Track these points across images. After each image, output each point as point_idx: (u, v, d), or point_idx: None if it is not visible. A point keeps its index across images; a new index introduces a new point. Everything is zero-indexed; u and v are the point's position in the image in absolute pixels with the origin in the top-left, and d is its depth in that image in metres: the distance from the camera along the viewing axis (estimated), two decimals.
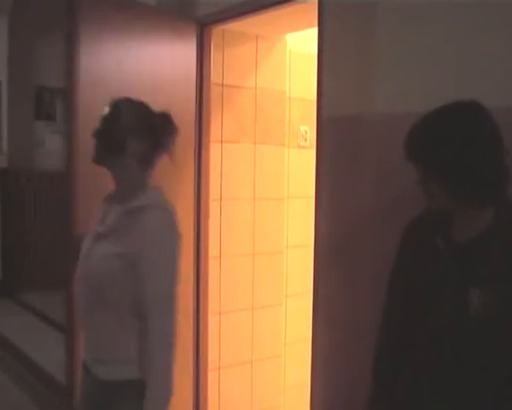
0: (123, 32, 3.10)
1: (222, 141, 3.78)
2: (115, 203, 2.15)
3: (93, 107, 2.43)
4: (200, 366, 3.77)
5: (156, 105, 2.18)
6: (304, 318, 3.78)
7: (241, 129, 3.89)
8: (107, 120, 2.12)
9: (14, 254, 7.62)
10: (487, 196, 1.67)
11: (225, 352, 3.94)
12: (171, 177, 2.59)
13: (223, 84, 3.74)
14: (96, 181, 2.39)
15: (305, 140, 4.27)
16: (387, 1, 2.48)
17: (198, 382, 3.76)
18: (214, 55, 3.62)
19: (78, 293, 2.17)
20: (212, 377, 3.87)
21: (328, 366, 2.72)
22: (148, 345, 2.00)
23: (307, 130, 4.26)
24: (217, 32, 3.62)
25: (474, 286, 1.64)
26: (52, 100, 8.23)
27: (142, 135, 2.11)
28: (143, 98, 2.18)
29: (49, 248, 7.50)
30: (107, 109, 2.13)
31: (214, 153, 3.73)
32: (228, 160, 3.83)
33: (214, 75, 3.66)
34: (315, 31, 2.79)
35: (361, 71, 2.59)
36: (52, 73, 7.94)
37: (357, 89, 2.60)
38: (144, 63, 3.22)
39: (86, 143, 2.17)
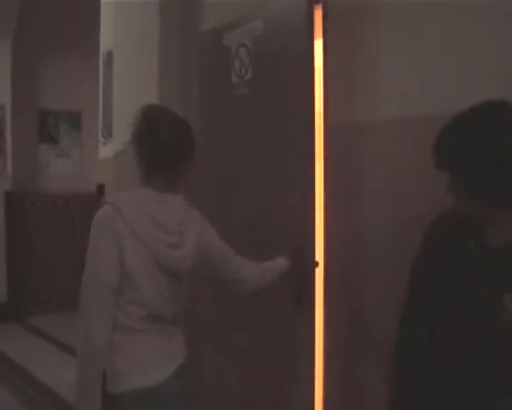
0: None
1: None
2: None
3: None
4: None
5: None
6: None
7: None
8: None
9: (19, 277, 7.61)
10: None
11: None
12: None
13: None
14: None
15: None
16: (390, 11, 2.50)
17: None
18: None
19: None
20: None
21: None
22: None
23: None
24: None
25: (508, 292, 1.61)
26: (56, 123, 8.28)
27: None
28: None
29: (54, 271, 7.50)
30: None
31: None
32: None
33: None
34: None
35: (367, 78, 2.60)
36: (56, 96, 8.00)
37: (364, 96, 2.61)
38: None
39: None
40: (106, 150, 4.20)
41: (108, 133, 4.12)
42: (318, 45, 2.81)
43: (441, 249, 1.81)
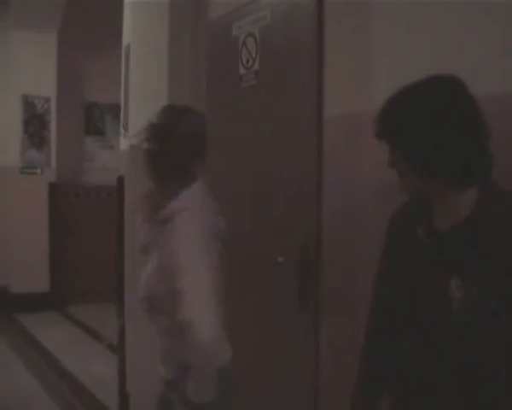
0: None
1: None
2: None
3: None
4: None
5: None
6: None
7: None
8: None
9: (61, 268, 7.73)
10: (464, 176, 1.51)
11: None
12: None
13: None
14: None
15: None
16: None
17: None
18: None
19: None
20: None
21: None
22: None
23: None
24: None
25: (455, 278, 1.51)
26: (101, 115, 8.39)
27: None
28: None
29: (95, 262, 7.59)
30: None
31: None
32: None
33: None
34: None
35: (361, 67, 2.47)
36: (101, 89, 8.09)
37: (357, 86, 2.48)
38: None
39: None
40: (126, 143, 4.18)
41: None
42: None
43: (397, 241, 1.74)
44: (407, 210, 1.73)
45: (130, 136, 3.97)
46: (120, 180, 4.28)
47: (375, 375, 1.84)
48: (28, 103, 7.50)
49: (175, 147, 2.04)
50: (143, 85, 3.85)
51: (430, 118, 1.48)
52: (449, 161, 1.49)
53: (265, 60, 3.00)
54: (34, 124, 7.55)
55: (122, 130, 4.32)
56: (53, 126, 7.68)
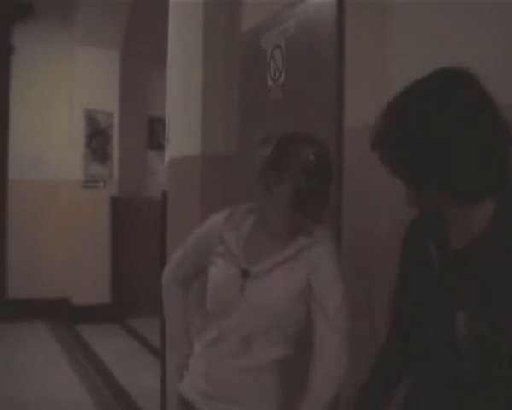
0: None
1: None
2: (263, 235, 2.03)
3: None
4: None
5: None
6: None
7: None
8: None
9: (123, 280, 7.84)
10: (476, 189, 1.32)
11: None
12: None
13: None
14: None
15: None
16: (404, 8, 2.24)
17: None
18: None
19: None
20: None
21: None
22: None
23: None
24: None
25: (461, 308, 1.31)
26: (164, 130, 8.48)
27: None
28: None
29: (158, 275, 7.64)
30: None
31: None
32: None
33: None
34: None
35: (382, 77, 2.34)
36: (165, 104, 8.17)
37: (378, 96, 2.35)
38: None
39: None
40: (168, 156, 4.17)
41: None
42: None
43: (410, 257, 1.56)
44: (421, 223, 1.54)
45: (170, 149, 3.97)
46: (164, 194, 4.26)
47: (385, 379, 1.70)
48: (91, 118, 7.67)
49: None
50: (181, 99, 3.83)
51: (432, 122, 1.29)
52: (455, 172, 1.29)
53: (291, 72, 2.91)
54: (97, 138, 7.71)
55: (167, 143, 4.31)
56: (115, 141, 7.83)
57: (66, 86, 7.71)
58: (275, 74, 3.01)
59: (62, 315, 7.56)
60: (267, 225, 2.04)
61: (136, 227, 7.91)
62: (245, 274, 1.96)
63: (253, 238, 2.05)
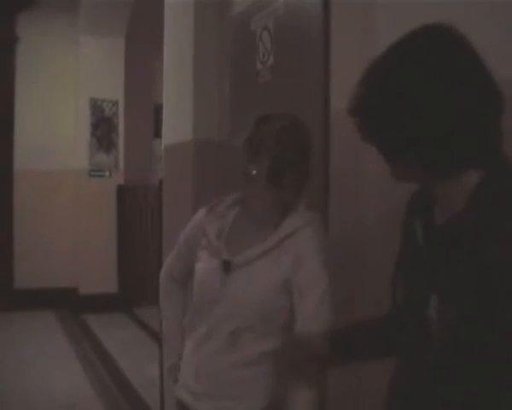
0: None
1: None
2: (248, 224, 1.96)
3: None
4: None
5: None
6: None
7: None
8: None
9: (130, 269, 7.81)
10: (459, 160, 1.19)
11: None
12: None
13: None
14: None
15: None
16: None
17: None
18: None
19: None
20: None
21: None
22: None
23: None
24: None
25: (434, 293, 1.19)
26: None
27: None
28: None
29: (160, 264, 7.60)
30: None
31: None
32: None
33: None
34: None
35: (369, 57, 2.25)
36: None
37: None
38: None
39: None
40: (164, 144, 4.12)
41: None
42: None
43: (402, 236, 1.44)
44: (414, 199, 1.41)
45: (164, 136, 3.92)
46: (160, 183, 4.20)
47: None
48: (96, 106, 7.63)
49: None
50: (173, 85, 3.77)
51: (410, 83, 1.18)
52: (430, 140, 1.17)
53: (279, 54, 2.83)
54: (102, 127, 7.67)
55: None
56: (121, 129, 7.79)
57: (71, 75, 7.68)
58: (263, 57, 2.93)
59: (70, 305, 7.56)
60: (252, 213, 1.98)
61: (143, 216, 7.87)
62: (226, 266, 1.89)
63: (237, 229, 1.99)
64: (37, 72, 7.55)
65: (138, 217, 7.89)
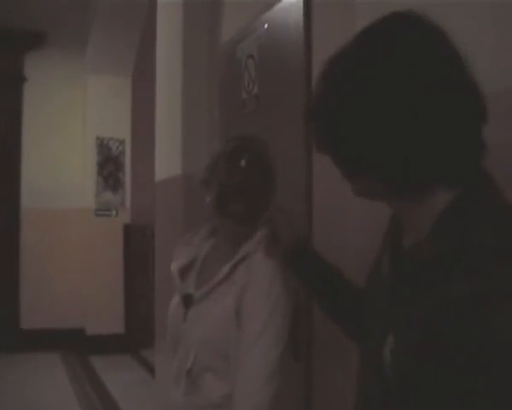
0: None
1: None
2: (216, 256, 1.84)
3: None
4: None
5: None
6: None
7: None
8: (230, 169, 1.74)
9: (137, 310, 7.67)
10: (423, 179, 1.01)
11: None
12: None
13: None
14: None
15: None
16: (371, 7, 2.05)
17: None
18: None
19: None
20: None
21: None
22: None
23: None
24: None
25: (391, 330, 1.03)
26: None
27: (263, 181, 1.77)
28: None
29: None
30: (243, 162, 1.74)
31: None
32: None
33: None
34: None
35: None
36: None
37: None
38: None
39: None
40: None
41: None
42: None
43: (374, 261, 1.29)
44: (391, 221, 1.25)
45: (156, 172, 3.83)
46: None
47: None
48: (103, 145, 7.59)
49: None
50: (163, 119, 3.70)
51: (370, 83, 1.00)
52: (394, 155, 0.99)
53: (263, 82, 2.73)
54: (109, 166, 7.62)
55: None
56: (128, 168, 7.73)
57: (79, 114, 7.67)
58: (248, 86, 2.83)
59: (76, 346, 7.42)
60: (218, 244, 1.88)
61: (150, 255, 7.74)
62: (187, 301, 1.77)
63: (208, 261, 1.88)
64: (44, 111, 7.54)
65: (145, 256, 7.76)
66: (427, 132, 0.97)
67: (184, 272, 1.87)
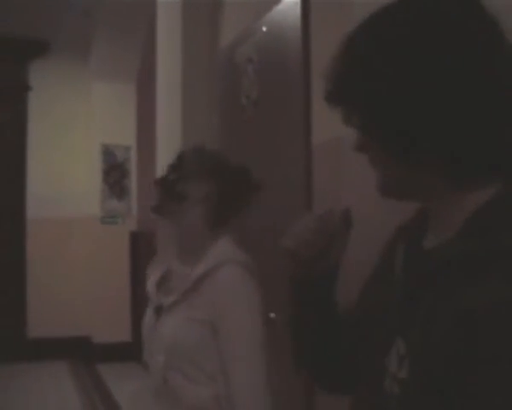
0: None
1: None
2: (181, 265, 1.88)
3: None
4: None
5: None
6: None
7: None
8: (171, 166, 1.92)
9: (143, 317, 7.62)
10: (469, 168, 0.91)
11: None
12: None
13: None
14: None
15: None
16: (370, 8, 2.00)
17: None
18: None
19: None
20: None
21: None
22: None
23: None
24: None
25: (400, 335, 0.94)
26: None
27: (208, 180, 1.82)
28: None
29: None
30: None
31: None
32: None
33: None
34: None
35: None
36: None
37: None
38: None
39: None
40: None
41: None
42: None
43: (378, 261, 1.18)
44: (406, 225, 1.12)
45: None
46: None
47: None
48: (108, 153, 7.56)
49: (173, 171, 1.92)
50: (163, 129, 3.67)
51: (412, 65, 0.88)
52: (444, 140, 0.89)
53: (263, 87, 2.69)
54: (114, 173, 7.59)
55: None
56: (134, 175, 7.69)
57: (84, 122, 7.64)
58: (248, 91, 2.79)
59: (83, 354, 7.38)
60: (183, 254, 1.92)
61: None
62: (157, 311, 1.84)
63: (174, 273, 1.93)
64: (48, 119, 7.53)
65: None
66: (475, 115, 0.88)
67: (159, 287, 1.91)
